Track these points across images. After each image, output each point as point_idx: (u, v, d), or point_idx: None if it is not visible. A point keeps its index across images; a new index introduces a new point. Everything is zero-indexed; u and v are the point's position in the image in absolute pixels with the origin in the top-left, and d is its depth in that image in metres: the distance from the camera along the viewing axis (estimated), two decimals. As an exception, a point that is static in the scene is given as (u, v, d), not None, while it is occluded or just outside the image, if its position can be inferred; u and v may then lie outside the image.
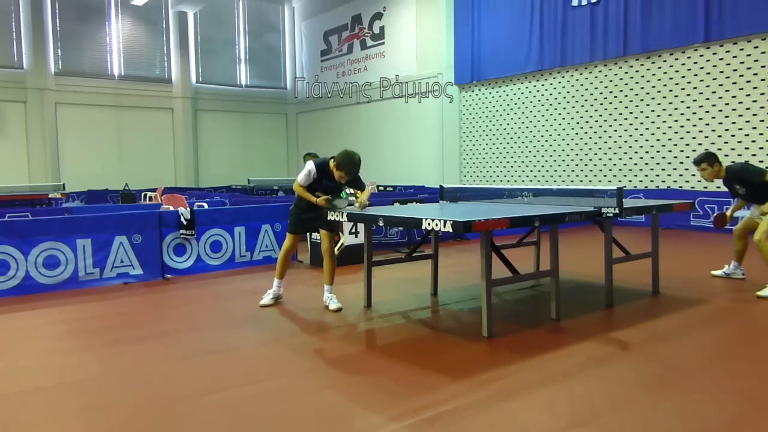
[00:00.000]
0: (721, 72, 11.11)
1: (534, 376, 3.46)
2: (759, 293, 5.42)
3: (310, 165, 5.09)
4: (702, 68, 11.39)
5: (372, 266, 5.33)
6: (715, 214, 6.35)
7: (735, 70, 10.91)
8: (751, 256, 6.21)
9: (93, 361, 3.90)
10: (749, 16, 10.45)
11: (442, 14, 16.31)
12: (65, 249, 6.24)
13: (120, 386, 3.43)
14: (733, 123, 10.98)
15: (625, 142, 12.76)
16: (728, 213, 6.26)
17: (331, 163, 5.05)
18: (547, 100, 14.29)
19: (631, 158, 12.69)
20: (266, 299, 5.38)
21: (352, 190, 8.09)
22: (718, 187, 10.90)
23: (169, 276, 6.87)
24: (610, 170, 13.09)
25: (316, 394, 3.25)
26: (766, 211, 5.64)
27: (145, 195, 15.27)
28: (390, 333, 4.46)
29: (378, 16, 18.96)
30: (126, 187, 17.06)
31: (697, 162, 5.98)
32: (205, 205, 9.27)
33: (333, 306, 5.15)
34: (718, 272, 6.43)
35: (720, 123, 11.15)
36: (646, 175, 12.41)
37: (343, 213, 4.96)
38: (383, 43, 18.85)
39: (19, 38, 18.05)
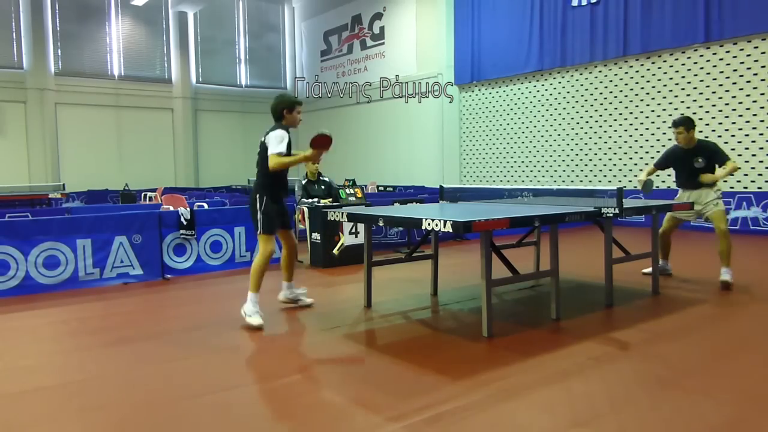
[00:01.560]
0: (721, 72, 11.11)
1: (534, 376, 3.45)
2: (723, 279, 5.71)
3: (279, 131, 4.60)
4: (702, 68, 11.39)
5: (372, 266, 5.33)
6: (642, 182, 6.26)
7: (735, 70, 10.91)
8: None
9: (93, 361, 3.90)
10: (749, 16, 10.46)
11: (442, 14, 16.31)
12: (65, 249, 6.23)
13: (120, 386, 3.42)
14: (733, 123, 10.98)
15: (625, 142, 12.76)
16: (643, 177, 6.21)
17: (285, 118, 4.73)
18: (547, 100, 14.29)
19: (631, 158, 12.69)
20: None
21: (352, 190, 8.12)
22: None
23: (169, 276, 6.87)
24: (610, 170, 13.09)
25: (315, 394, 3.25)
26: (717, 178, 5.86)
27: (145, 195, 15.27)
28: (390, 333, 4.46)
29: (378, 16, 18.97)
30: (126, 188, 17.06)
31: (676, 124, 6.02)
32: (205, 205, 9.27)
33: (307, 301, 5.21)
34: (648, 270, 6.35)
35: (720, 123, 11.15)
36: (646, 175, 12.39)
37: (343, 213, 4.96)
38: (383, 43, 18.86)
39: (19, 38, 18.05)
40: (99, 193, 16.94)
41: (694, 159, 5.99)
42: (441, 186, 6.33)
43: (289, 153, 4.66)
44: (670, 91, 11.90)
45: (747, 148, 10.80)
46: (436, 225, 4.00)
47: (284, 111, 4.73)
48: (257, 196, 4.75)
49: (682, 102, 11.71)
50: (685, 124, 5.98)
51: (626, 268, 5.85)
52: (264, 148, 4.68)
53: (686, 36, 11.39)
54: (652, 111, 12.23)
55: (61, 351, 4.16)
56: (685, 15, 11.33)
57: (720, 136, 11.09)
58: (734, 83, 10.94)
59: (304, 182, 8.40)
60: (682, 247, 8.95)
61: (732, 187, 10.74)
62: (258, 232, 4.79)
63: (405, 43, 17.99)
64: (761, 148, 10.63)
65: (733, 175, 5.96)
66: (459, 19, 16.00)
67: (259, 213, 4.74)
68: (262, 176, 4.77)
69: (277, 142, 4.54)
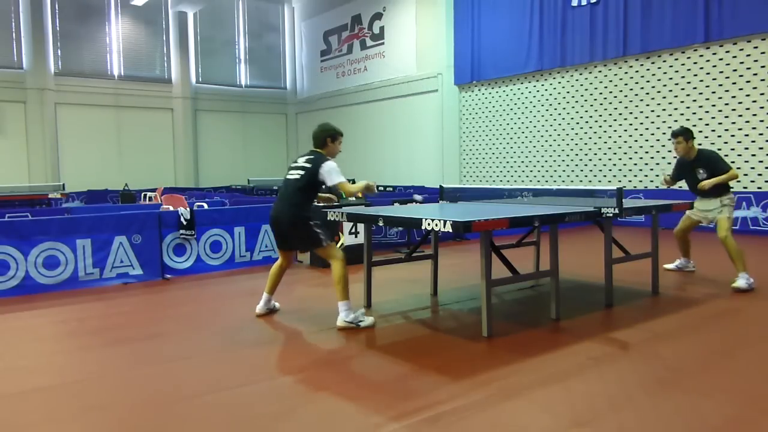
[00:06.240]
0: (721, 72, 11.11)
1: (534, 376, 3.45)
2: (734, 285, 5.68)
3: (332, 162, 4.69)
4: (702, 68, 11.39)
5: (372, 266, 5.33)
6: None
7: (735, 70, 10.91)
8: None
9: (93, 361, 3.90)
10: (749, 16, 10.45)
11: (442, 14, 16.31)
12: (65, 249, 6.23)
13: (120, 386, 3.42)
14: (733, 123, 10.98)
15: (625, 142, 12.76)
16: (668, 178, 6.35)
17: (327, 146, 4.80)
18: (547, 100, 14.28)
19: (630, 158, 12.69)
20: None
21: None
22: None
23: (168, 276, 6.87)
24: (610, 170, 13.08)
25: (315, 394, 3.25)
26: (705, 185, 5.87)
27: (145, 195, 15.28)
28: (390, 333, 4.46)
29: (378, 16, 18.97)
30: (126, 187, 17.06)
31: (675, 134, 6.06)
32: (205, 205, 9.28)
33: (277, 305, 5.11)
34: (671, 266, 6.83)
35: (720, 123, 11.15)
36: (646, 175, 12.40)
37: (343, 213, 4.95)
38: (383, 44, 18.85)
39: (19, 38, 18.05)
40: (99, 193, 16.95)
41: (695, 171, 6.04)
42: (441, 186, 6.33)
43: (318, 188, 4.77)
44: (670, 91, 11.90)
45: (747, 148, 10.80)
46: (436, 225, 4.01)
47: (327, 139, 4.78)
48: (304, 218, 4.63)
49: (682, 102, 11.71)
50: (684, 134, 5.99)
51: (626, 268, 5.85)
52: (311, 173, 4.59)
53: (686, 36, 11.39)
54: (652, 111, 12.23)
55: (61, 351, 4.16)
56: (685, 15, 11.33)
57: (720, 136, 11.10)
58: (734, 83, 10.94)
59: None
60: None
61: (732, 187, 10.72)
62: (324, 244, 4.64)
63: (405, 43, 17.98)
64: (761, 148, 10.63)
65: (732, 182, 6.05)
66: (459, 19, 16.00)
67: (314, 228, 4.62)
68: (306, 198, 4.69)
69: (337, 173, 4.58)
